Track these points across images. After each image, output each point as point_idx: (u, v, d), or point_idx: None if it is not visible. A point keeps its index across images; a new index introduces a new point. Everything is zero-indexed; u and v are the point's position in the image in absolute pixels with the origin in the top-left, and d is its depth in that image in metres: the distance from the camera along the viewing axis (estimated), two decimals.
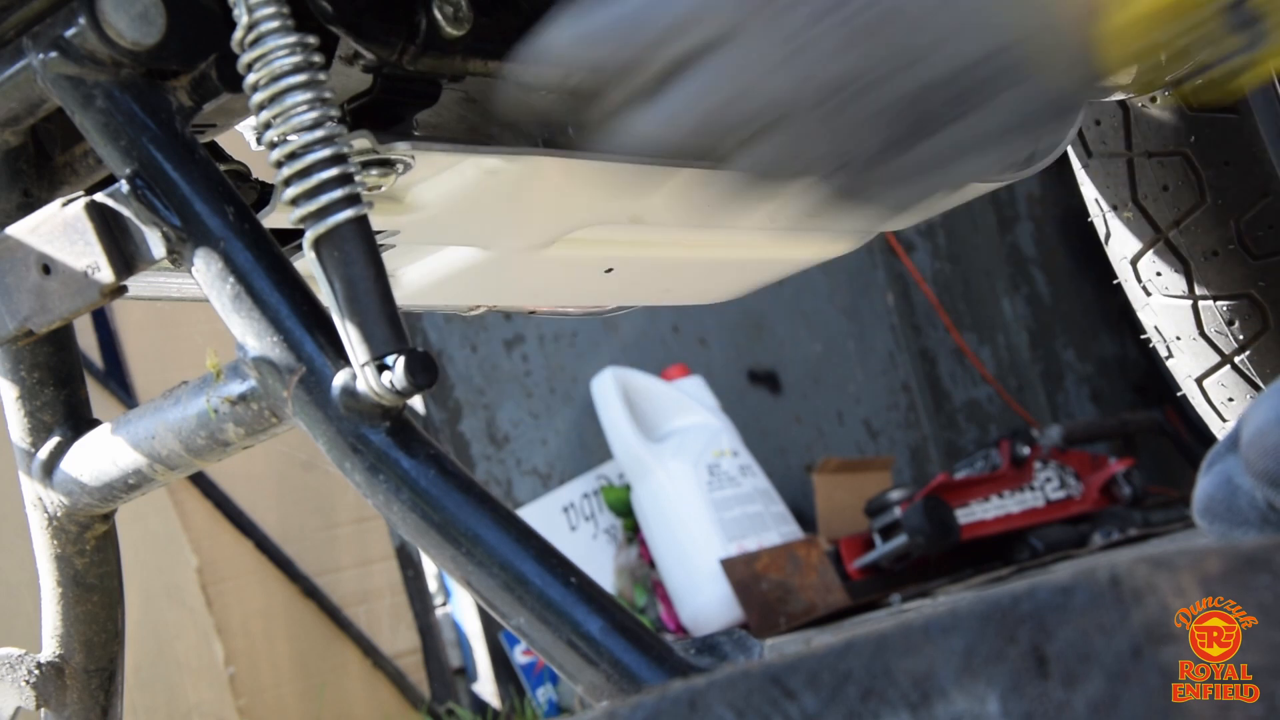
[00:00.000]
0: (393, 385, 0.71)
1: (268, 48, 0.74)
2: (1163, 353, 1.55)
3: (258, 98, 0.74)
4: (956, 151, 0.60)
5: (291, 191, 0.74)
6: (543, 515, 4.00)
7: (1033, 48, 0.58)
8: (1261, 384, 1.49)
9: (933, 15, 0.58)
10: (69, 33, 0.77)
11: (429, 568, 3.95)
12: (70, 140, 0.88)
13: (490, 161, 0.93)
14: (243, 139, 0.99)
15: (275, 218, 0.86)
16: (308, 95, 0.74)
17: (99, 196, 0.77)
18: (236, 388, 0.78)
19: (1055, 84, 0.60)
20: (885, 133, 0.59)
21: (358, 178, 0.76)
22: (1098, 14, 0.58)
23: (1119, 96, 1.30)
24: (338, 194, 0.73)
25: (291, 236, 0.78)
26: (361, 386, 0.72)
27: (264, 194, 0.95)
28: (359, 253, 0.73)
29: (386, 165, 0.87)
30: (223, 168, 0.80)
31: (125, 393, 3.34)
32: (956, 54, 0.58)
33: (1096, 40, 0.59)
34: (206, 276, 0.76)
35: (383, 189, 0.88)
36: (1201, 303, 1.46)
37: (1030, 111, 0.61)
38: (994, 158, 0.60)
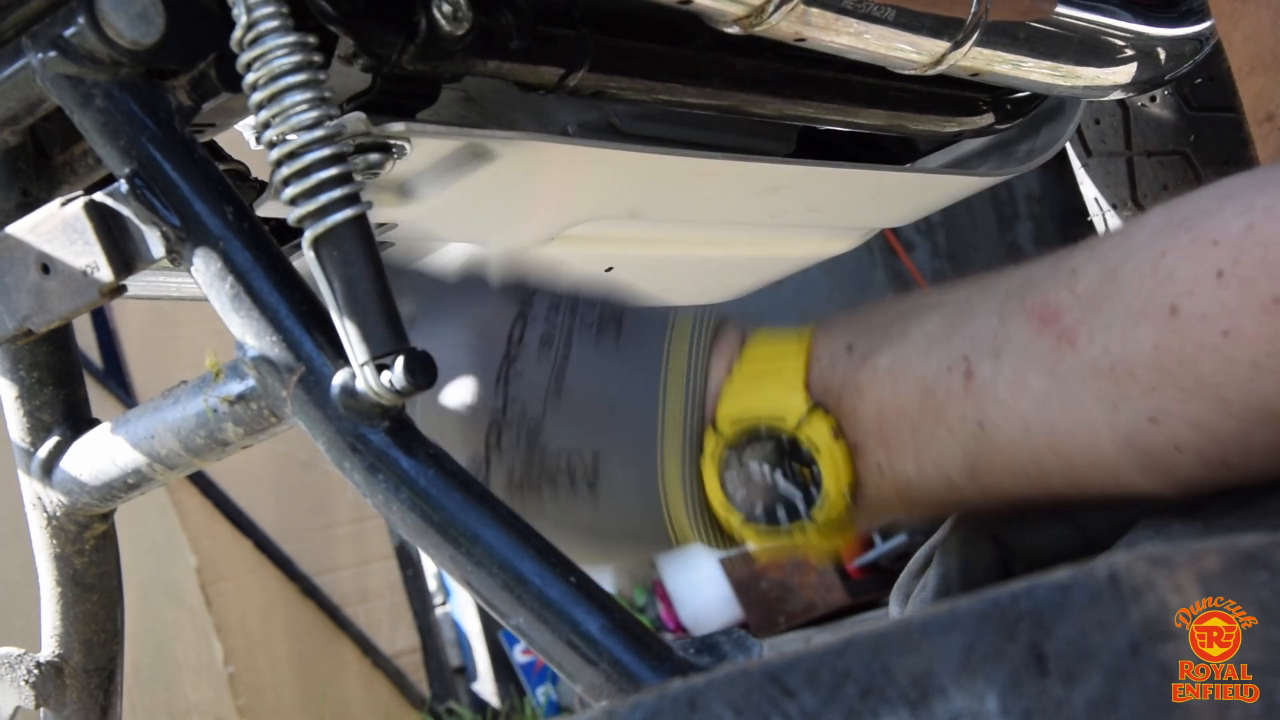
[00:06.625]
0: (392, 385, 0.71)
1: (267, 47, 0.74)
2: None
3: (257, 97, 0.74)
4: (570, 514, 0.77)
5: (290, 191, 0.74)
6: None
7: (608, 459, 0.75)
8: None
9: None
10: (68, 32, 0.77)
11: (428, 567, 3.95)
12: (69, 140, 0.88)
13: (485, 146, 0.93)
14: (242, 138, 0.99)
15: (269, 207, 0.86)
16: (307, 95, 0.74)
17: (98, 196, 0.77)
18: (235, 387, 0.78)
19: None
20: None
21: (357, 175, 0.76)
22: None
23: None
24: (337, 193, 0.73)
25: (291, 236, 0.78)
26: (361, 386, 0.72)
27: (263, 193, 0.95)
28: (358, 252, 0.73)
29: (384, 150, 0.87)
30: (222, 167, 0.80)
31: (124, 392, 3.34)
32: (560, 435, 0.76)
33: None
34: (205, 276, 0.76)
35: (380, 175, 0.87)
36: None
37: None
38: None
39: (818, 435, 0.71)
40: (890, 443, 0.71)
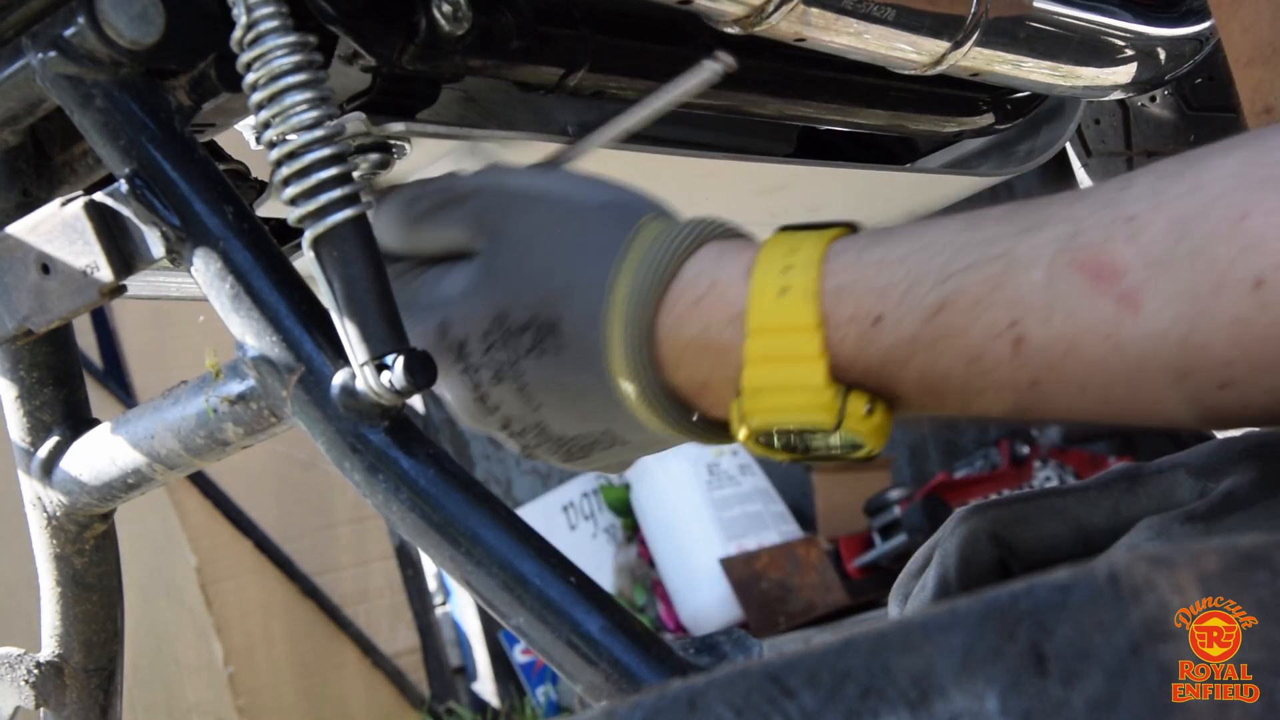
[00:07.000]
0: (392, 385, 0.71)
1: (267, 47, 0.74)
2: None
3: (257, 97, 0.74)
4: (610, 460, 0.79)
5: (290, 191, 0.74)
6: (542, 514, 4.00)
7: (620, 433, 0.75)
8: None
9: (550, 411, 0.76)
10: (68, 32, 0.77)
11: (428, 567, 3.95)
12: (69, 140, 0.88)
13: (487, 147, 0.93)
14: (242, 138, 0.99)
15: (269, 207, 0.86)
16: (307, 95, 0.74)
17: (98, 196, 0.77)
18: (235, 387, 0.78)
19: (648, 445, 0.78)
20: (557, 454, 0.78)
21: (356, 174, 0.76)
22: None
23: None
24: (337, 193, 0.73)
25: (291, 236, 0.78)
26: (361, 386, 0.72)
27: (263, 193, 0.95)
28: (358, 252, 0.73)
29: (384, 150, 0.87)
30: (222, 167, 0.80)
31: (124, 392, 3.34)
32: (567, 430, 0.76)
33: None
34: (205, 276, 0.76)
35: (380, 175, 0.87)
36: None
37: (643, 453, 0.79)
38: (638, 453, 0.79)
39: (855, 424, 0.69)
40: (933, 400, 0.68)
